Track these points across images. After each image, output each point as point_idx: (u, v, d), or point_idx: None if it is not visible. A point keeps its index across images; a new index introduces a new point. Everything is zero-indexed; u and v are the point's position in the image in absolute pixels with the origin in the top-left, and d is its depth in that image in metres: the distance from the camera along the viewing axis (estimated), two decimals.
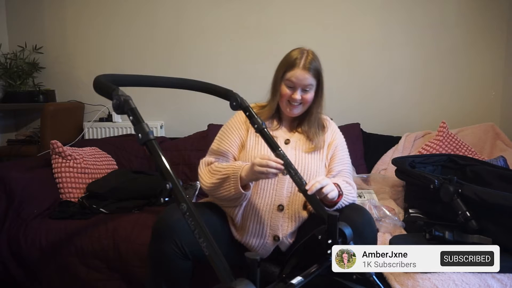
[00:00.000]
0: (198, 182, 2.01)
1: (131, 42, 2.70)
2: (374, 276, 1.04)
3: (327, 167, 1.41)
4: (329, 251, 1.04)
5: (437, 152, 2.08)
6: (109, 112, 2.69)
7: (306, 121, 1.42)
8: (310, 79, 1.33)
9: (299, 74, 1.32)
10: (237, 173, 1.22)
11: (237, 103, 1.25)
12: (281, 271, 1.09)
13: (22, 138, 2.71)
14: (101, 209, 1.79)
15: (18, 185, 1.76)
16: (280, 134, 1.42)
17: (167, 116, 2.73)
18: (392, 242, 1.41)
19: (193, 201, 1.86)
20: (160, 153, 0.87)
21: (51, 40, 2.77)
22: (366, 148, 2.33)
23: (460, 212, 1.42)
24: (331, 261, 1.04)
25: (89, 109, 2.74)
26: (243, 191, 1.23)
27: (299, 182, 1.16)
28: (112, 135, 2.62)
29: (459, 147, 2.13)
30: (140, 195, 1.90)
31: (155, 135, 2.61)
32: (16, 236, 1.67)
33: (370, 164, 2.27)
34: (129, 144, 2.34)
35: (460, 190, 1.45)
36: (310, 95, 1.36)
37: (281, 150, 1.19)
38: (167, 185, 0.82)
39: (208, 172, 1.33)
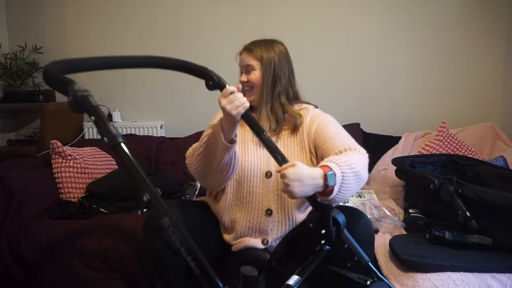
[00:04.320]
0: (197, 182, 2.01)
1: (131, 42, 2.70)
2: (370, 263, 1.03)
3: (318, 154, 1.29)
4: (323, 241, 1.00)
5: (437, 152, 2.08)
6: (109, 112, 2.69)
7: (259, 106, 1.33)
8: (248, 59, 1.33)
9: (241, 56, 1.37)
10: (217, 129, 1.15)
11: (213, 83, 1.11)
12: (270, 259, 1.07)
13: (22, 138, 2.70)
14: (101, 209, 1.79)
15: (18, 185, 1.76)
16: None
17: (167, 116, 2.73)
18: (392, 242, 1.41)
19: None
20: (133, 159, 0.75)
21: (51, 40, 2.77)
22: (366, 148, 2.31)
23: (460, 212, 1.42)
24: (325, 250, 1.01)
25: None
26: (228, 145, 1.14)
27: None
28: None
29: (459, 147, 2.13)
30: None
31: (155, 135, 2.64)
32: (16, 236, 1.66)
33: (370, 164, 2.25)
34: (129, 144, 2.33)
35: (460, 190, 1.45)
36: (253, 75, 1.31)
37: (266, 133, 1.13)
38: (144, 197, 0.72)
39: (192, 151, 1.29)
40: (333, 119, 1.36)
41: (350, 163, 1.06)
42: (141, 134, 2.61)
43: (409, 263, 1.28)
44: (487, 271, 1.24)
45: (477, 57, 2.47)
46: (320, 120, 1.32)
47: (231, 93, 1.10)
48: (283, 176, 0.99)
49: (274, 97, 1.33)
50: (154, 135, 2.61)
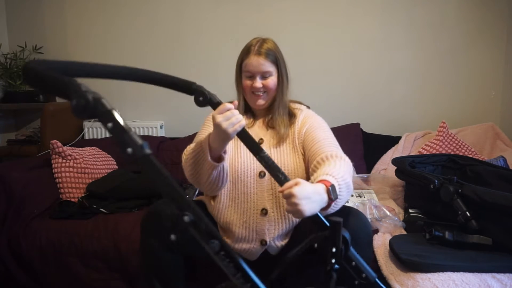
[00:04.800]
0: None
1: (131, 42, 2.70)
2: (377, 280, 1.01)
3: (305, 156, 1.29)
4: (333, 260, 0.96)
5: (437, 152, 2.08)
6: None
7: (271, 111, 1.35)
8: (266, 65, 1.28)
9: (254, 61, 1.28)
10: (205, 146, 1.13)
11: (204, 98, 1.07)
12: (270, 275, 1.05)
13: (22, 138, 2.70)
14: (101, 209, 1.79)
15: (18, 185, 1.76)
16: (254, 132, 1.33)
17: (167, 116, 2.73)
18: (392, 242, 1.41)
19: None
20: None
21: (51, 40, 2.76)
22: (366, 148, 2.33)
23: (460, 212, 1.42)
24: (336, 270, 0.97)
25: None
26: (215, 164, 1.13)
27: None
28: None
29: (459, 147, 2.13)
30: (140, 195, 1.90)
31: (155, 135, 2.64)
32: (16, 236, 1.66)
33: (370, 164, 2.27)
34: None
35: (460, 190, 1.45)
36: (271, 81, 1.30)
37: (265, 152, 1.09)
38: (186, 217, 0.60)
39: (184, 158, 1.25)
40: (324, 123, 1.36)
41: (342, 175, 1.04)
42: (141, 134, 2.61)
43: (409, 263, 1.28)
44: (487, 271, 1.24)
45: (477, 57, 2.47)
46: (312, 123, 1.33)
47: (227, 110, 1.07)
48: (289, 196, 0.93)
49: (283, 96, 1.34)
50: (154, 135, 2.61)
